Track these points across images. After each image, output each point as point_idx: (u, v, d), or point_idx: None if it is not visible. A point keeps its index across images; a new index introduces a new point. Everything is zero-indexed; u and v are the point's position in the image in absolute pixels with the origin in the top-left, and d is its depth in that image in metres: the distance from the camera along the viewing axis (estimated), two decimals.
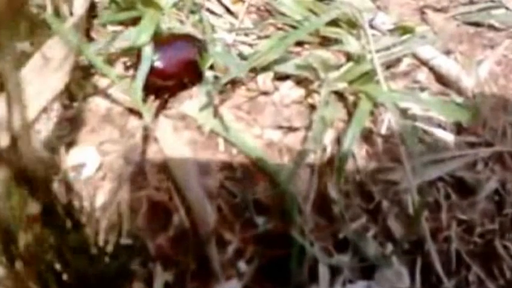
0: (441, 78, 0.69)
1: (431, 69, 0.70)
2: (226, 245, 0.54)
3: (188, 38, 0.64)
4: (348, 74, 0.62)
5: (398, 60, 0.69)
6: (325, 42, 0.68)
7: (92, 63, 0.60)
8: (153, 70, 0.60)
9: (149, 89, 0.60)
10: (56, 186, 0.52)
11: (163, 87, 0.61)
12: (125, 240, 0.52)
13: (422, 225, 0.57)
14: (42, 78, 0.50)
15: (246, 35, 0.68)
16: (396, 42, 0.67)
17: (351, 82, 0.62)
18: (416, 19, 0.76)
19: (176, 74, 0.61)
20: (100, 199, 0.54)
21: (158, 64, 0.60)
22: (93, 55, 0.58)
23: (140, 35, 0.61)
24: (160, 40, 0.63)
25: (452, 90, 0.68)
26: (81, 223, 0.49)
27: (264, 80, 0.63)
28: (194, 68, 0.62)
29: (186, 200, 0.55)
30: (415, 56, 0.70)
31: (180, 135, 0.58)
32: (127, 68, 0.63)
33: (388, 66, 0.67)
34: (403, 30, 0.68)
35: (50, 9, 0.58)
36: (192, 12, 0.69)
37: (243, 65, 0.60)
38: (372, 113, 0.62)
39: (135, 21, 0.66)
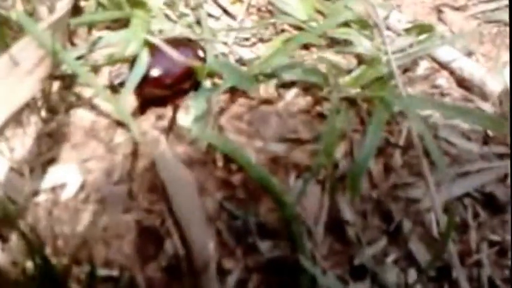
0: (463, 83, 0.63)
1: (452, 72, 0.63)
2: (226, 274, 0.48)
3: (184, 43, 0.58)
4: (361, 78, 0.56)
5: (415, 63, 0.62)
6: (334, 44, 0.62)
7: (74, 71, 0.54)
8: (146, 79, 0.53)
9: (140, 100, 0.53)
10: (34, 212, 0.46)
11: (157, 98, 0.55)
12: (110, 272, 0.46)
13: (449, 248, 0.50)
14: (8, 86, 0.44)
15: (246, 38, 0.62)
16: (413, 43, 0.61)
17: (364, 87, 0.56)
18: (433, 18, 0.69)
19: (173, 83, 0.55)
20: (82, 224, 0.48)
21: (153, 73, 0.54)
22: (75, 62, 0.52)
23: (130, 42, 0.55)
24: (154, 45, 0.56)
25: (476, 96, 0.62)
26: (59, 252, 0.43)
27: (267, 87, 0.56)
28: (191, 75, 0.56)
29: (181, 224, 0.48)
30: (433, 58, 0.64)
31: (174, 150, 0.52)
32: (114, 77, 0.56)
33: (405, 69, 0.61)
34: (420, 29, 0.61)
35: (20, 6, 0.52)
36: (185, 14, 0.62)
37: (243, 71, 0.54)
38: (388, 122, 0.55)
39: (124, 25, 0.60)
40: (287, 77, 0.55)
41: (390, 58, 0.53)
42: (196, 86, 0.56)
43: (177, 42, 0.58)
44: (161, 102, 0.55)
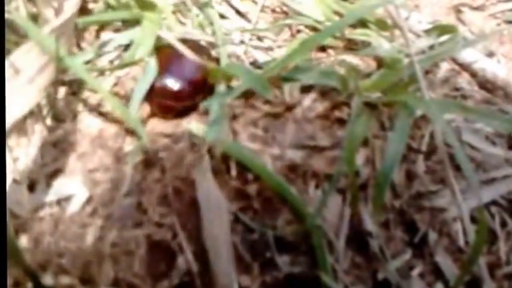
0: (485, 85, 0.58)
1: (474, 74, 0.58)
2: None
3: (196, 48, 0.52)
4: (382, 82, 0.50)
5: (435, 65, 0.57)
6: (351, 46, 0.57)
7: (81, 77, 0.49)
8: (158, 88, 0.48)
9: (151, 107, 0.48)
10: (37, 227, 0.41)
11: (170, 108, 0.49)
12: None
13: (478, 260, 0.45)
14: (9, 93, 0.39)
15: (260, 39, 0.57)
16: (434, 45, 0.55)
17: (384, 91, 0.50)
18: (451, 18, 0.64)
19: (189, 94, 0.49)
20: (89, 239, 0.42)
21: (166, 83, 0.49)
22: (81, 67, 0.47)
23: (139, 47, 0.50)
24: (165, 52, 0.51)
25: (499, 98, 0.57)
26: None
27: (284, 91, 0.51)
28: (205, 81, 0.51)
29: (194, 238, 0.43)
30: (453, 59, 0.58)
31: (186, 159, 0.46)
32: (123, 82, 0.51)
33: (425, 72, 0.55)
34: (440, 31, 0.56)
35: (23, 10, 0.47)
36: (196, 15, 0.57)
37: (260, 73, 0.48)
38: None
39: (132, 27, 0.55)
40: (305, 80, 0.50)
41: (414, 60, 0.47)
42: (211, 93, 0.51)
43: (189, 47, 0.52)
44: (172, 108, 0.50)
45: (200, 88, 0.51)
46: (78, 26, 0.52)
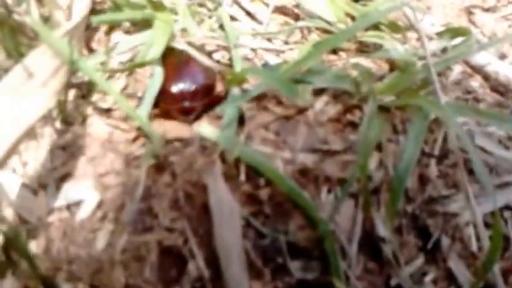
0: (497, 87, 0.56)
1: (486, 77, 0.56)
2: None
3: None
4: (395, 85, 0.49)
5: (448, 68, 0.55)
6: (363, 48, 0.55)
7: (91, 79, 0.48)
8: (169, 93, 0.47)
9: (161, 111, 0.47)
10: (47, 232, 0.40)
11: (190, 110, 0.48)
12: None
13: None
14: (23, 98, 0.37)
15: (271, 41, 0.55)
16: (447, 47, 0.54)
17: (397, 94, 0.49)
18: (463, 20, 0.62)
19: (204, 95, 0.48)
20: (99, 245, 0.41)
21: (176, 88, 0.48)
22: (92, 69, 0.45)
23: (151, 48, 0.49)
24: (174, 54, 0.50)
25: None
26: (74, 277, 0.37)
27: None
28: (214, 87, 0.50)
29: (205, 244, 0.42)
30: (466, 62, 0.57)
31: (197, 163, 0.45)
32: (135, 85, 0.50)
33: (438, 74, 0.53)
34: (453, 33, 0.54)
35: (36, 14, 0.46)
36: (207, 17, 0.56)
37: (280, 74, 0.47)
38: None
39: (143, 29, 0.53)
40: (317, 83, 0.48)
41: (429, 64, 0.46)
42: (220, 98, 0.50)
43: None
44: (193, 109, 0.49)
45: (210, 91, 0.49)
46: (92, 25, 0.50)
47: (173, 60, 0.49)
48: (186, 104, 0.48)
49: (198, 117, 0.49)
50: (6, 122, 0.36)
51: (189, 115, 0.48)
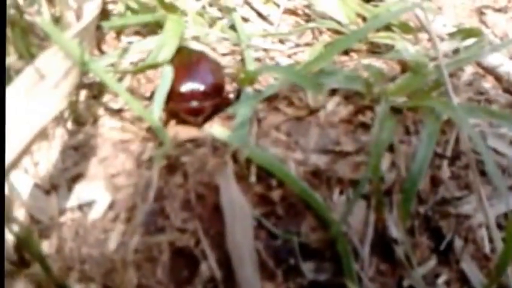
0: (510, 88, 0.56)
1: (498, 78, 0.56)
2: None
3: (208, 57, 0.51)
4: (407, 86, 0.49)
5: (459, 69, 0.55)
6: (374, 49, 0.55)
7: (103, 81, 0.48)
8: (177, 94, 0.47)
9: (172, 112, 0.47)
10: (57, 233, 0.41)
11: (188, 112, 0.48)
12: None
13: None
14: (35, 100, 0.38)
15: (282, 42, 0.56)
16: (458, 48, 0.54)
17: (409, 96, 0.49)
18: (474, 21, 0.62)
19: (214, 95, 0.48)
20: (111, 245, 0.41)
21: (185, 88, 0.48)
22: (102, 71, 0.46)
23: (162, 48, 0.49)
24: (183, 54, 0.50)
25: None
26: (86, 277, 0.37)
27: (307, 95, 0.50)
28: (222, 90, 0.50)
29: (217, 245, 0.42)
30: (478, 63, 0.57)
31: (209, 164, 0.45)
32: (145, 86, 0.50)
33: (449, 75, 0.54)
34: (465, 34, 0.54)
35: (47, 15, 0.46)
36: (219, 18, 0.56)
37: (293, 72, 0.47)
38: None
39: (154, 30, 0.54)
40: (329, 84, 0.48)
41: (441, 65, 0.46)
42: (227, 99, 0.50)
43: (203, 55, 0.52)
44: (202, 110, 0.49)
45: (220, 92, 0.50)
46: (103, 30, 0.50)
47: (183, 61, 0.49)
48: (195, 104, 0.48)
49: (206, 119, 0.49)
50: (19, 123, 0.36)
51: (198, 116, 0.48)
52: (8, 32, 0.42)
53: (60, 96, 0.40)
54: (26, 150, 0.36)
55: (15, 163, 0.35)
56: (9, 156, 0.32)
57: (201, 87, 0.48)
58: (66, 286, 0.37)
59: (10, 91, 0.37)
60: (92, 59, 0.45)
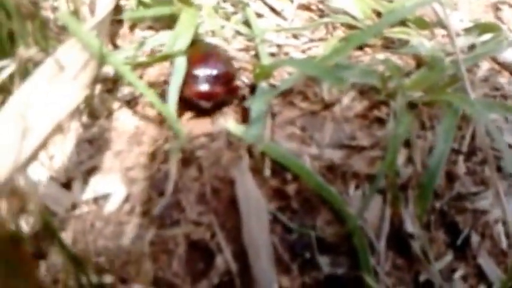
0: None
1: None
2: None
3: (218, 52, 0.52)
4: (423, 81, 0.50)
5: (475, 65, 0.56)
6: (388, 44, 0.56)
7: (117, 74, 0.49)
8: (190, 77, 0.48)
9: (187, 104, 0.48)
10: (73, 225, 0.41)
11: (200, 96, 0.49)
12: None
13: None
14: (54, 91, 0.38)
15: (296, 37, 0.56)
16: (475, 44, 0.54)
17: (425, 91, 0.50)
18: (490, 16, 0.63)
19: (219, 94, 0.49)
20: (127, 237, 0.42)
21: (198, 71, 0.49)
22: (120, 63, 0.47)
23: (177, 39, 0.50)
24: (198, 48, 0.51)
25: None
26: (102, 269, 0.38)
27: (322, 90, 0.50)
28: (232, 81, 0.51)
29: (232, 238, 0.43)
30: (493, 59, 0.57)
31: (223, 158, 0.46)
32: (159, 80, 0.51)
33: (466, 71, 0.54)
34: (481, 29, 0.55)
35: (64, 7, 0.47)
36: (233, 13, 0.57)
37: (312, 65, 0.48)
38: None
39: (167, 25, 0.54)
40: (344, 77, 0.49)
41: (459, 60, 0.47)
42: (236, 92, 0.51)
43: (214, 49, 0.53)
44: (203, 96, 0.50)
45: (231, 81, 0.50)
46: (117, 25, 0.51)
47: (197, 51, 0.51)
48: (207, 87, 0.49)
49: (216, 107, 0.50)
50: (40, 113, 0.37)
51: (209, 101, 0.49)
52: (28, 25, 0.43)
53: (80, 88, 0.41)
54: (46, 141, 0.37)
55: (36, 154, 0.36)
56: (30, 147, 0.33)
57: (214, 72, 0.49)
58: (87, 273, 0.37)
59: (30, 83, 0.38)
60: (109, 52, 0.45)
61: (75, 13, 0.49)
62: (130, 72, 0.46)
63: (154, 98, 0.45)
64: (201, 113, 0.49)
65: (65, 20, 0.44)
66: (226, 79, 0.50)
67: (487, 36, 0.55)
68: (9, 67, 0.41)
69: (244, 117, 0.49)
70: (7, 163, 0.28)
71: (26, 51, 0.40)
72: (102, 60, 0.42)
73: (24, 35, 0.41)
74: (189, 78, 0.49)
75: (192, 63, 0.49)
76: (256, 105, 0.48)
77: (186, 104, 0.49)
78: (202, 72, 0.49)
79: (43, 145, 0.37)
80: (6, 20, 0.39)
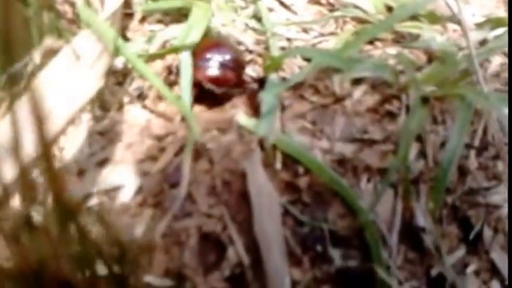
0: None
1: None
2: (294, 285, 0.43)
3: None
4: (435, 75, 0.50)
5: (487, 60, 0.56)
6: (399, 38, 0.56)
7: (128, 66, 0.49)
8: (201, 61, 0.50)
9: (199, 96, 0.49)
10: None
11: (216, 94, 0.50)
12: (169, 282, 0.41)
13: None
14: (72, 79, 0.39)
15: (306, 31, 0.57)
16: (487, 38, 0.55)
17: (437, 85, 0.50)
18: (501, 11, 0.63)
19: (230, 79, 0.50)
20: (139, 229, 0.43)
21: (209, 55, 0.51)
22: (134, 55, 0.47)
23: (190, 32, 0.50)
24: (209, 38, 0.52)
25: None
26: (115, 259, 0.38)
27: (333, 83, 0.50)
28: (243, 70, 0.52)
29: (244, 231, 0.43)
30: (504, 53, 0.58)
31: (234, 150, 0.46)
32: (170, 72, 0.51)
33: None
34: (494, 23, 0.55)
35: (80, 1, 0.47)
36: (243, 7, 0.57)
37: (311, 65, 0.48)
38: None
39: (176, 19, 0.55)
40: (356, 71, 0.49)
41: (472, 54, 0.47)
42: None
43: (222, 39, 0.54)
44: (218, 98, 0.50)
45: (241, 69, 0.51)
46: (140, 14, 0.52)
47: (208, 40, 0.52)
48: (219, 72, 0.50)
49: (226, 96, 0.51)
50: (59, 102, 0.37)
51: (220, 87, 0.50)
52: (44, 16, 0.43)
53: (96, 77, 0.41)
54: (64, 129, 0.37)
55: (54, 141, 0.36)
56: (49, 135, 0.33)
57: (226, 57, 0.50)
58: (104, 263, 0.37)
59: (49, 71, 0.38)
60: (123, 44, 0.46)
61: (88, 5, 0.49)
62: (144, 64, 0.46)
63: (167, 91, 0.45)
64: (211, 100, 0.50)
65: (82, 11, 0.44)
66: (237, 65, 0.51)
67: (499, 31, 0.56)
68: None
69: (255, 110, 0.50)
70: (26, 153, 0.29)
71: (52, 42, 0.41)
72: (116, 52, 0.43)
73: (41, 26, 0.41)
74: (202, 63, 0.50)
75: (204, 49, 0.50)
76: (267, 98, 0.48)
77: (197, 89, 0.49)
78: (214, 57, 0.50)
79: (62, 132, 0.38)
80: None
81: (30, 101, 0.26)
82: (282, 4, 0.60)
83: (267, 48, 0.54)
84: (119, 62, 0.50)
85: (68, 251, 0.34)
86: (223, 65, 0.50)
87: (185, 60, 0.50)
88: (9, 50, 0.27)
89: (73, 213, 0.34)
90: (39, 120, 0.26)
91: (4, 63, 0.34)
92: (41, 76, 0.38)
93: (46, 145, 0.25)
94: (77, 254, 0.37)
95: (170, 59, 0.53)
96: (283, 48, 0.55)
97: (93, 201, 0.44)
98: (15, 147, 0.29)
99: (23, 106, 0.27)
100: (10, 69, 0.35)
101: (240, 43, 0.55)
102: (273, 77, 0.50)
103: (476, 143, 0.51)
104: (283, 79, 0.51)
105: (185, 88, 0.47)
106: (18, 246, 0.30)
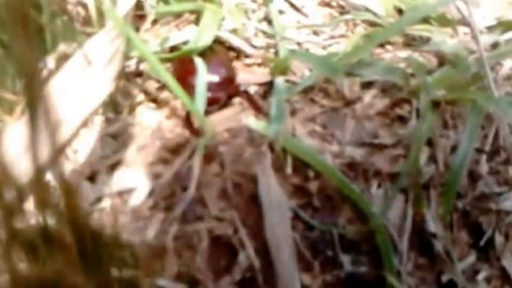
0: None
1: None
2: None
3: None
4: (446, 79, 0.50)
5: (497, 63, 0.56)
6: (409, 41, 0.56)
7: (140, 68, 0.50)
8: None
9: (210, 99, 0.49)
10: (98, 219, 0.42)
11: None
12: (181, 286, 0.41)
13: None
14: (84, 84, 0.39)
15: (317, 34, 0.57)
16: (498, 42, 0.55)
17: (448, 89, 0.50)
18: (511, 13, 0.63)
19: (220, 98, 0.51)
20: (151, 233, 0.43)
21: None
22: (151, 54, 0.47)
23: (201, 35, 0.51)
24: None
25: None
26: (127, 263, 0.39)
27: (343, 87, 0.51)
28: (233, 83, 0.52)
29: (255, 234, 0.43)
30: None
31: (245, 154, 0.47)
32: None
33: None
34: (506, 27, 0.55)
35: (91, 5, 0.48)
36: (253, 10, 0.58)
37: (334, 62, 0.48)
38: None
39: (188, 22, 0.55)
40: (367, 76, 0.50)
41: (483, 58, 0.47)
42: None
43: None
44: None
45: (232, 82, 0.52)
46: (154, 17, 0.53)
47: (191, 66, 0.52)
48: (209, 95, 0.49)
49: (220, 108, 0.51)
50: (71, 105, 0.38)
51: (213, 106, 0.50)
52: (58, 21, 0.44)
53: (109, 80, 0.42)
54: (77, 133, 0.38)
55: (67, 144, 0.36)
56: (62, 140, 0.33)
57: (215, 79, 0.51)
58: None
59: (61, 75, 0.39)
60: (139, 43, 0.46)
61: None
62: (161, 66, 0.47)
63: (182, 93, 0.46)
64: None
65: (103, 8, 0.45)
66: (227, 83, 0.51)
67: (510, 34, 0.56)
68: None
69: (259, 112, 0.50)
70: (40, 156, 0.29)
71: (66, 47, 0.41)
72: (130, 51, 0.43)
73: (54, 30, 0.41)
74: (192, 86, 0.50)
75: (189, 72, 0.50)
76: (276, 101, 0.48)
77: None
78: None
79: (75, 135, 0.38)
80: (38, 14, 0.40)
81: (43, 105, 0.27)
82: (293, 6, 0.60)
83: (277, 53, 0.54)
84: (131, 64, 0.51)
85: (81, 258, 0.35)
86: (214, 88, 0.50)
87: (200, 63, 0.50)
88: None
89: (84, 218, 0.34)
90: (52, 125, 0.27)
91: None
92: (54, 80, 0.39)
93: (56, 151, 0.26)
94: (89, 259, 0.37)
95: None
96: (293, 52, 0.55)
97: (105, 204, 0.45)
98: (30, 150, 0.29)
99: (38, 110, 0.27)
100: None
101: (251, 46, 0.55)
102: (280, 79, 0.50)
103: (488, 147, 0.51)
104: (293, 83, 0.51)
105: (200, 91, 0.48)
106: (35, 255, 0.30)
